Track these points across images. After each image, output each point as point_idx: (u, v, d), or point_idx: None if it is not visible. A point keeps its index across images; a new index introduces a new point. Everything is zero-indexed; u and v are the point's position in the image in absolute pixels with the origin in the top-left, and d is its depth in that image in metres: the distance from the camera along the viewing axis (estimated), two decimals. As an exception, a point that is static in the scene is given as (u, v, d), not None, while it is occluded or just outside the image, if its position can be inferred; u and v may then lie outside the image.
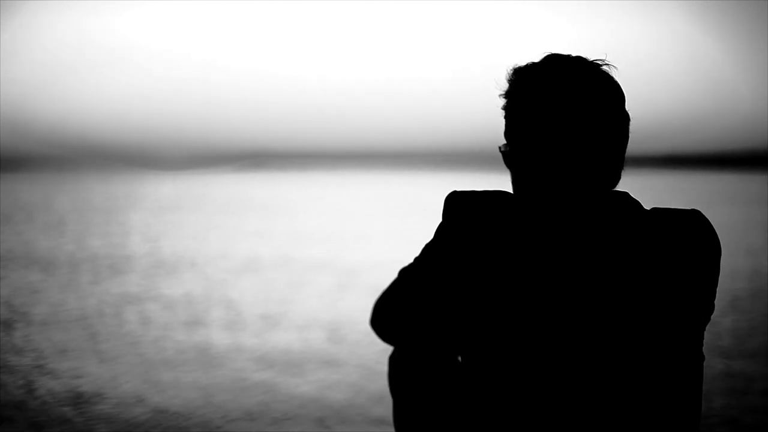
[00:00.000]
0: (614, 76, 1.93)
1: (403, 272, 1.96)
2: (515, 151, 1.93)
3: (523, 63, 1.94)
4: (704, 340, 1.95)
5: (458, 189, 1.99)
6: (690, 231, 1.91)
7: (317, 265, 17.98)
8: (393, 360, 1.97)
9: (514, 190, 1.95)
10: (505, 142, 1.96)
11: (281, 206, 41.53)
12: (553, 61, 1.91)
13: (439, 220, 1.99)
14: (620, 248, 1.87)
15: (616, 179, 1.94)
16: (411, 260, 2.00)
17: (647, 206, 1.97)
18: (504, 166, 1.98)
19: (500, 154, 1.97)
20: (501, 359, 1.87)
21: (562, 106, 1.87)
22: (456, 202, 1.97)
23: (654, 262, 1.87)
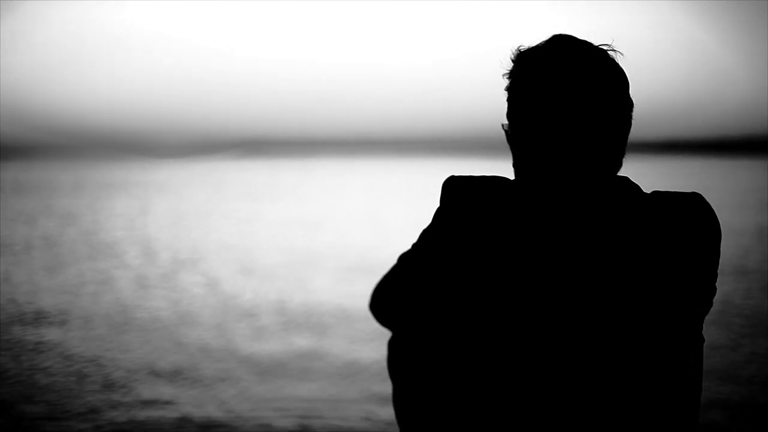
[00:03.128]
0: (619, 62, 1.90)
1: (402, 258, 1.94)
2: (516, 133, 1.90)
3: (528, 44, 1.91)
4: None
5: (456, 174, 1.97)
6: (690, 214, 1.88)
7: (285, 247, 18.53)
8: (392, 344, 1.94)
9: (514, 170, 1.93)
10: (507, 121, 1.93)
11: (269, 192, 41.82)
12: (559, 43, 1.88)
13: (436, 205, 1.96)
14: (620, 232, 1.85)
15: (618, 165, 1.91)
16: (409, 246, 1.97)
17: (647, 191, 1.94)
18: (502, 150, 1.96)
19: (503, 134, 1.94)
20: (499, 345, 1.85)
21: (565, 89, 1.84)
22: (454, 187, 1.95)
23: (654, 246, 1.85)
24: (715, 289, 1.92)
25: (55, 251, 17.91)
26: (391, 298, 1.92)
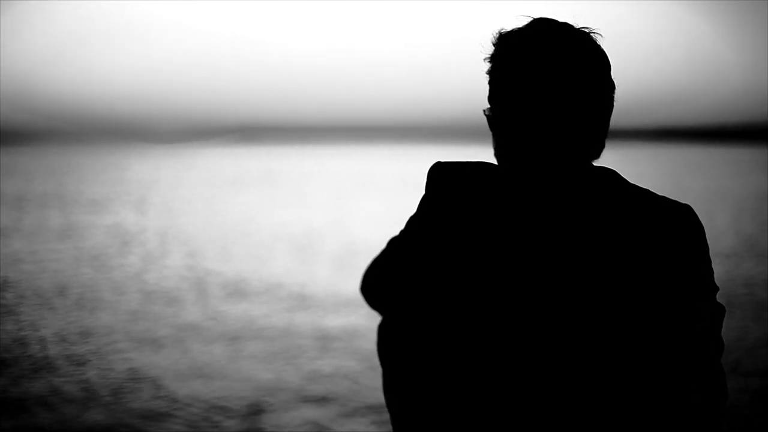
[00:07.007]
0: (600, 44, 1.88)
1: (391, 242, 1.95)
2: (498, 117, 1.89)
3: (508, 27, 1.90)
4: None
5: (442, 160, 1.97)
6: (674, 210, 1.86)
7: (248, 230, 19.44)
8: (382, 329, 1.95)
9: (495, 155, 1.91)
10: (488, 105, 1.91)
11: (253, 179, 42.59)
12: (539, 26, 1.87)
13: (422, 191, 1.96)
14: (600, 219, 1.84)
15: (600, 147, 1.89)
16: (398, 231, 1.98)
17: (646, 183, 1.93)
18: (488, 134, 1.93)
19: (485, 119, 1.92)
20: (484, 329, 1.84)
21: (546, 72, 1.83)
22: (439, 174, 1.94)
23: (635, 235, 1.83)
24: (714, 287, 1.88)
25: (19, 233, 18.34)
26: (378, 282, 1.94)
